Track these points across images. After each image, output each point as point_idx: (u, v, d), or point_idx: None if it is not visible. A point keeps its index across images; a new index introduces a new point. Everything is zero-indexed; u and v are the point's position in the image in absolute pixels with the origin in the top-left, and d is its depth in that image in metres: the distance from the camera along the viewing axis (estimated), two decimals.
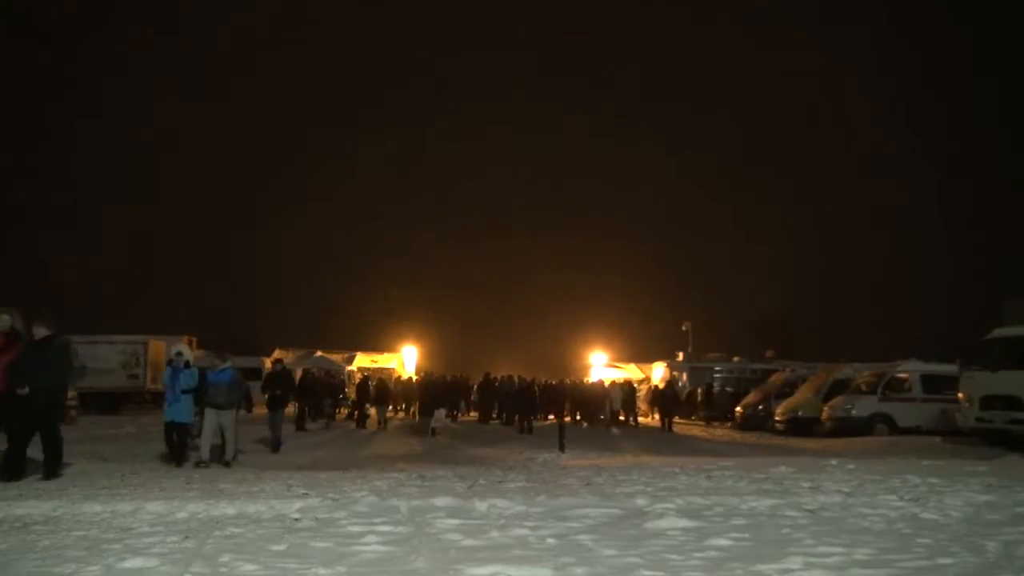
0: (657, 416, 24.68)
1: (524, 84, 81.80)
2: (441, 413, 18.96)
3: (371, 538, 5.16)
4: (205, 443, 10.92)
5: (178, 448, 10.95)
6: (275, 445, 13.44)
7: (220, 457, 10.94)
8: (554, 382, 27.36)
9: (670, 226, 70.72)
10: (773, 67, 74.93)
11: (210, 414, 10.98)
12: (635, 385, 28.10)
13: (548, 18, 79.27)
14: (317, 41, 74.98)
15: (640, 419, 25.49)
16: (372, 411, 22.45)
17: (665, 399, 23.69)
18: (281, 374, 14.93)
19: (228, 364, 11.25)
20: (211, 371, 11.18)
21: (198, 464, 10.64)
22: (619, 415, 24.49)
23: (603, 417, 23.99)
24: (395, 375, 30.07)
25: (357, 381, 24.77)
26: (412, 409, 23.91)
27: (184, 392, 10.85)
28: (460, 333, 48.47)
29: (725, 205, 75.91)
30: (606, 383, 26.26)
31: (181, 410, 10.89)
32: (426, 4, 76.98)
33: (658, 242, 70.13)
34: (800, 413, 19.75)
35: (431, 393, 19.23)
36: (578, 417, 24.82)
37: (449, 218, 77.09)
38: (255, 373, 28.88)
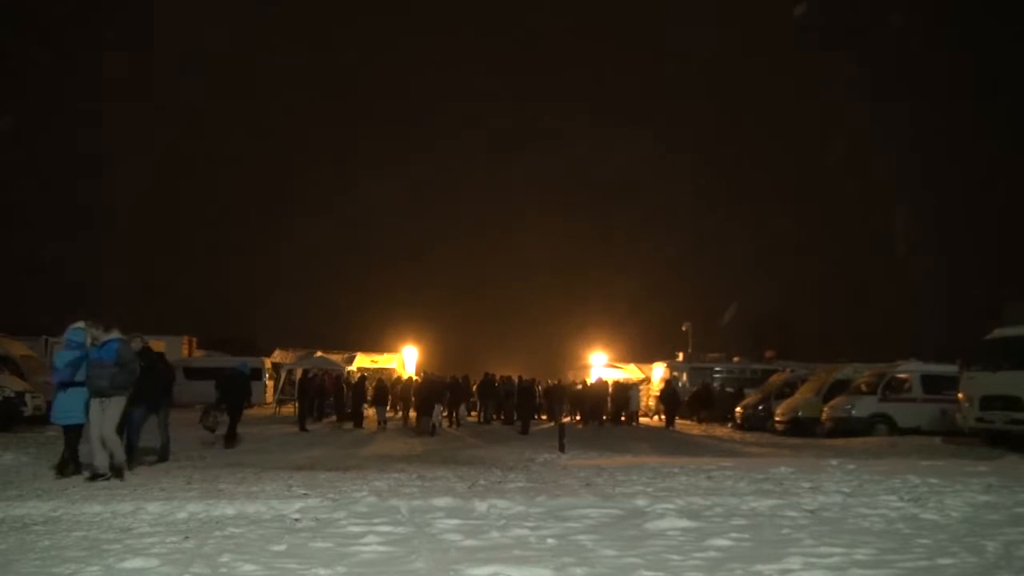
0: (657, 416, 24.81)
1: (524, 85, 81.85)
2: (438, 410, 18.89)
3: (371, 538, 5.16)
4: (95, 446, 8.42)
5: (67, 457, 8.71)
6: (162, 451, 10.75)
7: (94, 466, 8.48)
8: (555, 382, 27.40)
9: (670, 227, 70.73)
10: (773, 67, 74.96)
11: (94, 405, 8.52)
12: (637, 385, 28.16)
13: (547, 19, 79.30)
14: (321, 41, 75.01)
15: (641, 419, 25.58)
16: (371, 411, 22.44)
17: (668, 398, 23.95)
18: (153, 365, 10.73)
19: (114, 335, 8.67)
20: (69, 342, 8.75)
21: (93, 478, 8.29)
22: (635, 415, 24.64)
23: (605, 417, 24.04)
24: (395, 375, 30.07)
25: (355, 381, 24.76)
26: (410, 411, 23.86)
27: (65, 385, 8.61)
28: (460, 333, 48.49)
29: (725, 205, 75.89)
30: (609, 382, 26.28)
31: (61, 406, 8.70)
32: (427, 10, 77.02)
33: (658, 242, 70.08)
34: (800, 413, 19.74)
35: (429, 392, 19.23)
36: (578, 417, 24.87)
37: (449, 218, 77.09)
38: (255, 373, 28.98)
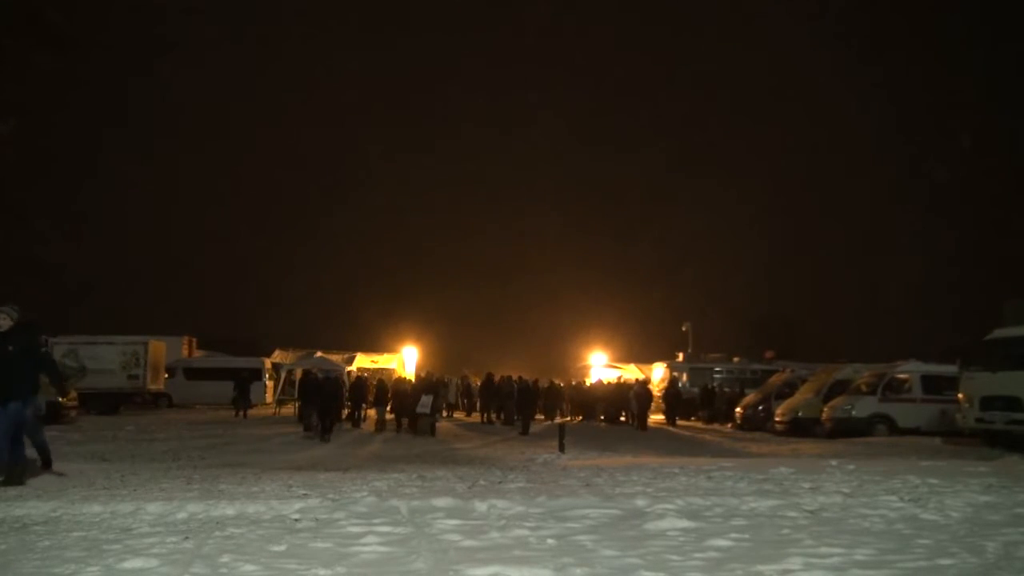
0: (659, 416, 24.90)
1: (523, 83, 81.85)
2: (428, 399, 18.87)
3: (371, 539, 5.16)
4: None
5: None
6: (42, 453, 9.00)
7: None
8: (553, 382, 27.42)
9: (670, 226, 70.74)
10: (773, 67, 74.99)
11: None
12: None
13: (545, 18, 79.31)
14: (323, 47, 75.03)
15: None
16: (371, 412, 22.43)
17: (670, 399, 24.09)
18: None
19: None
20: None
21: None
22: (636, 415, 24.69)
23: (603, 417, 24.05)
24: (394, 375, 30.09)
25: (354, 381, 24.77)
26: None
27: None
28: (461, 333, 48.51)
29: (725, 205, 75.94)
30: (604, 383, 26.28)
31: None
32: (429, 10, 77.02)
33: (658, 242, 70.10)
34: (800, 414, 19.74)
35: (399, 390, 19.74)
36: (578, 417, 24.89)
37: (449, 219, 77.14)
38: (255, 373, 29.01)
